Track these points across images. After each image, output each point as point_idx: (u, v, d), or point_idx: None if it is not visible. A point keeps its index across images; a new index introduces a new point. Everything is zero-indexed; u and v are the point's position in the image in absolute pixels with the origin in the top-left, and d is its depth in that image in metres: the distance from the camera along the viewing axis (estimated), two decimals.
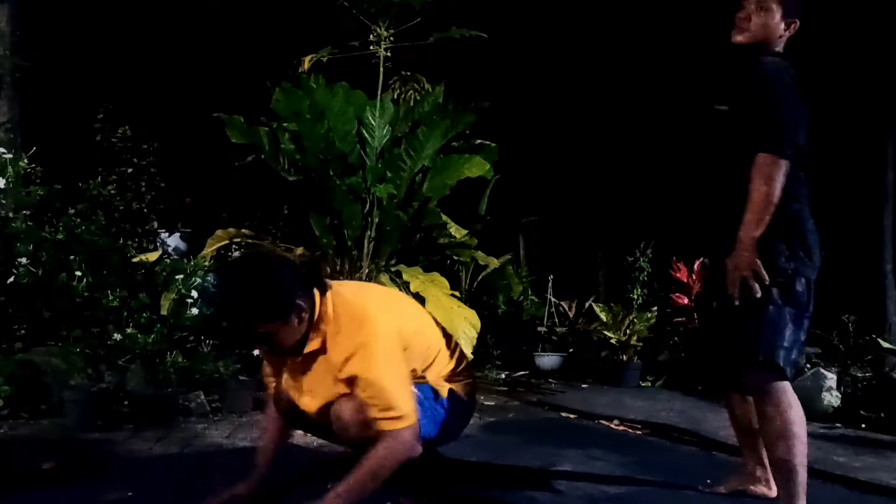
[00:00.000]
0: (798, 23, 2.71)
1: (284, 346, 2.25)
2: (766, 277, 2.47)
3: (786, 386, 2.51)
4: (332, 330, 2.25)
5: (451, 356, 2.57)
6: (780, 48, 2.72)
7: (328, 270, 4.97)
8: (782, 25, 2.69)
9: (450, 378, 2.53)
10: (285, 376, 2.43)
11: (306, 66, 5.23)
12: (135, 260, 4.52)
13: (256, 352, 4.59)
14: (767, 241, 2.48)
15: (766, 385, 2.51)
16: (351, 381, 2.21)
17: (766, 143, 2.48)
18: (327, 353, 2.26)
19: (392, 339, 2.27)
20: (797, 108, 2.56)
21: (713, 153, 2.76)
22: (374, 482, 2.14)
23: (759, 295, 2.47)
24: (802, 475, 2.49)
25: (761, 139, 2.49)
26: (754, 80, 2.60)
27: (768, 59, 2.63)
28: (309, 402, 2.35)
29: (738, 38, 2.72)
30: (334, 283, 2.37)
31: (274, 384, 2.52)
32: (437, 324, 2.65)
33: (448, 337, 2.64)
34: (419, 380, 2.44)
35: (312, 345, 2.26)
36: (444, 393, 2.47)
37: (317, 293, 2.27)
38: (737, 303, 2.51)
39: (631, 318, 6.25)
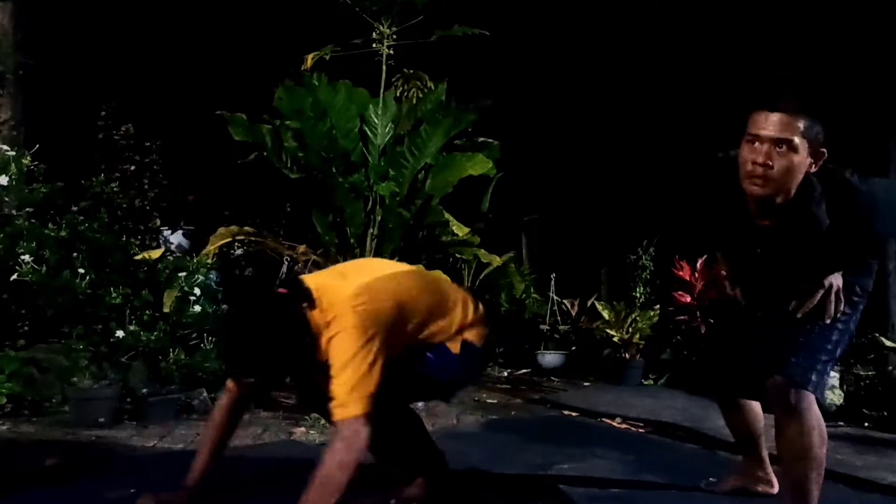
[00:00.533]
0: (826, 153, 2.24)
1: (300, 368, 2.35)
2: (842, 307, 2.39)
3: (812, 404, 2.37)
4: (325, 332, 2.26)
5: (462, 310, 2.53)
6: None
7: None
8: (809, 160, 2.22)
9: (461, 330, 2.49)
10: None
11: (309, 63, 5.22)
12: (137, 257, 4.53)
13: None
14: (846, 273, 2.41)
15: (793, 404, 2.36)
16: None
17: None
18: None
19: (361, 328, 2.20)
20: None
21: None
22: (331, 488, 2.07)
23: (829, 319, 2.38)
24: (816, 494, 2.42)
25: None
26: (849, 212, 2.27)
27: (863, 190, 2.26)
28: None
29: (757, 192, 2.23)
30: (311, 281, 2.36)
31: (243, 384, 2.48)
32: (445, 279, 2.64)
33: (456, 292, 2.59)
34: (428, 342, 2.44)
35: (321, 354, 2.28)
36: (455, 349, 2.46)
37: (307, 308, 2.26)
38: (799, 315, 2.38)
39: (633, 316, 6.25)
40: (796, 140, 2.15)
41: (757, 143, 2.19)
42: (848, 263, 2.40)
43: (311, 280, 2.37)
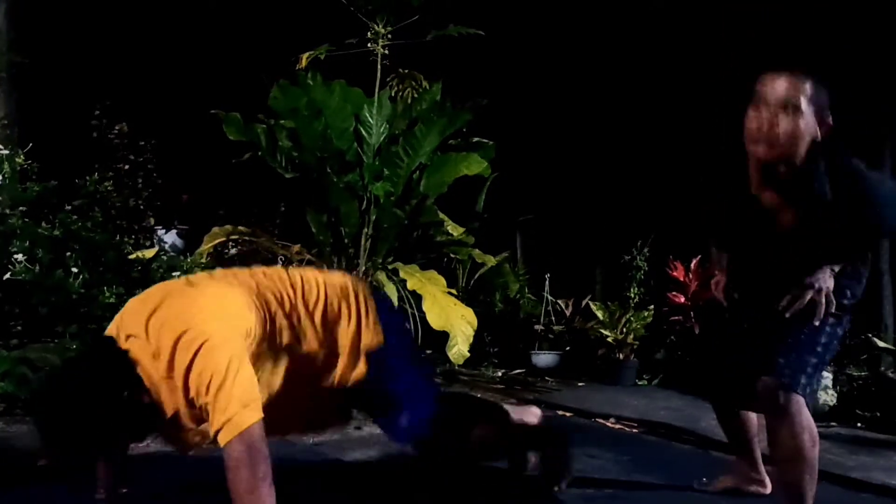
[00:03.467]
0: (832, 120, 2.24)
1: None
2: (833, 308, 2.37)
3: (801, 406, 2.38)
4: (161, 373, 1.96)
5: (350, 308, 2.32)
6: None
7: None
8: (815, 127, 2.20)
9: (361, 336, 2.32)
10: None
11: (304, 63, 5.22)
12: (131, 257, 4.52)
13: None
14: (839, 277, 2.39)
15: (782, 405, 2.37)
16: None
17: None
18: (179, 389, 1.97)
19: (217, 340, 1.94)
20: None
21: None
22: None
23: (817, 322, 2.36)
24: (811, 495, 2.43)
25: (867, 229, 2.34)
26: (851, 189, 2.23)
27: (851, 163, 2.25)
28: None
29: (762, 154, 2.22)
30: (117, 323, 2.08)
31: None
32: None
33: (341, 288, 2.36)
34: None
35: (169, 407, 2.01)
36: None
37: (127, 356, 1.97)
38: (787, 315, 2.36)
39: (628, 316, 6.25)
40: (802, 103, 2.15)
41: (763, 106, 2.18)
42: (845, 249, 2.36)
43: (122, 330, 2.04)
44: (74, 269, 4.20)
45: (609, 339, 6.19)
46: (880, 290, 6.42)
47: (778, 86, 2.17)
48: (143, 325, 1.99)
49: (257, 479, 1.86)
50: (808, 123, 2.17)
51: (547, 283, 7.12)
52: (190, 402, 1.95)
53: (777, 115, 2.15)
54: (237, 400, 1.87)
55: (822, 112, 2.20)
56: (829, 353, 2.45)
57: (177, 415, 2.01)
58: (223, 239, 5.04)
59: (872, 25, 6.29)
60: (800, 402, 2.37)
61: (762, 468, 2.83)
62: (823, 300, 2.33)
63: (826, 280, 2.34)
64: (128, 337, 1.99)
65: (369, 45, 5.14)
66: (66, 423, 1.90)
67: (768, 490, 2.79)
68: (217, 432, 1.87)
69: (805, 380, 2.37)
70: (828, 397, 4.84)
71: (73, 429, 1.90)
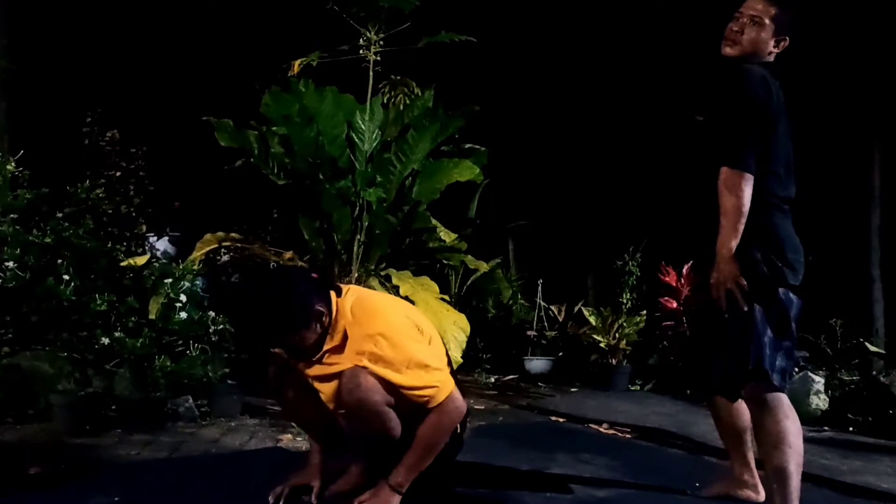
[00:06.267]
0: (788, 40, 2.72)
1: (306, 348, 2.43)
2: (746, 287, 2.49)
3: (781, 397, 2.54)
4: (349, 325, 2.42)
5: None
6: (769, 62, 2.73)
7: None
8: (772, 42, 2.70)
9: None
10: (300, 373, 2.56)
11: (296, 69, 5.21)
12: (123, 264, 4.50)
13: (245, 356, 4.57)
14: (744, 251, 2.51)
15: (762, 396, 2.54)
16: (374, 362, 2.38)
17: (728, 157, 2.52)
18: (345, 348, 2.42)
19: (408, 323, 2.49)
20: (768, 121, 2.57)
21: (691, 165, 2.79)
22: (433, 452, 2.42)
23: (745, 307, 2.50)
24: (796, 484, 2.50)
25: (724, 152, 2.54)
26: (728, 91, 2.63)
27: (747, 67, 2.64)
28: (327, 393, 2.52)
29: (728, 51, 2.72)
30: (346, 286, 2.55)
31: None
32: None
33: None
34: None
35: (331, 342, 2.43)
36: None
37: (332, 295, 2.45)
38: (726, 315, 2.54)
39: (620, 322, 6.26)
40: (766, 20, 2.68)
41: (738, 17, 2.73)
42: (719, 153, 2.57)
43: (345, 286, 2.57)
44: (66, 277, 4.18)
45: (602, 345, 6.20)
46: (871, 295, 6.45)
47: (752, 5, 2.72)
48: (360, 292, 2.58)
49: (445, 434, 2.46)
50: (767, 36, 2.69)
51: (539, 288, 7.13)
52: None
53: (745, 25, 2.70)
54: (437, 367, 2.45)
55: (781, 30, 2.69)
56: (771, 328, 2.53)
57: (318, 350, 2.44)
58: (215, 246, 5.02)
59: (868, 31, 6.34)
60: (776, 390, 2.53)
61: (755, 472, 2.84)
62: (732, 285, 2.50)
63: (725, 267, 2.51)
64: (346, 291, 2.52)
65: (361, 51, 5.14)
66: (270, 301, 2.37)
67: (761, 497, 2.80)
68: (433, 392, 2.39)
69: (755, 358, 2.51)
70: (820, 402, 4.86)
71: (273, 306, 2.36)
